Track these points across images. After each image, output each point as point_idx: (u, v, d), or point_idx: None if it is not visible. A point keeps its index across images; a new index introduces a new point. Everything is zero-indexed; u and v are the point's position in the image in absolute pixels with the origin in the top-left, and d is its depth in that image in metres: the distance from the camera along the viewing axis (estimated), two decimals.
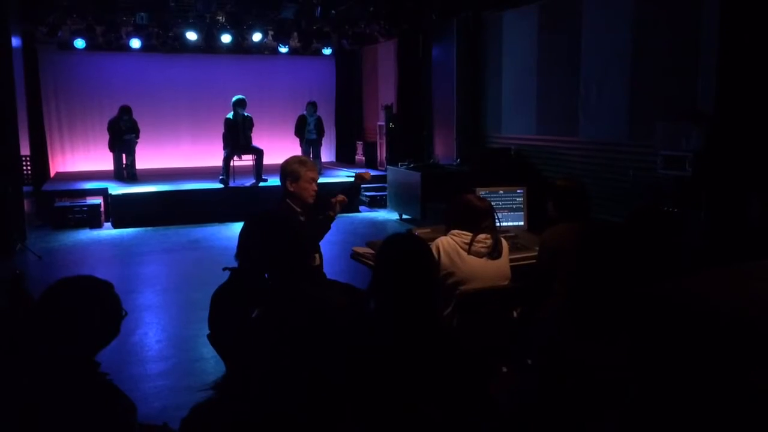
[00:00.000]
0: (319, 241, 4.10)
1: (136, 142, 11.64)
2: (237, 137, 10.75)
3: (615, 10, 7.79)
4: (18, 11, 9.37)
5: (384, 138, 12.90)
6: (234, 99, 10.79)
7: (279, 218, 3.16)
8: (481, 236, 3.52)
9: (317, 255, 4.07)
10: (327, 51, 13.91)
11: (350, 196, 4.42)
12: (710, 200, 5.86)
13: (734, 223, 5.63)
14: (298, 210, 3.97)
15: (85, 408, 1.79)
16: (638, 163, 7.25)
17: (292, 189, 3.95)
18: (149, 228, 9.80)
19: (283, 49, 13.12)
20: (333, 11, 10.81)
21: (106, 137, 11.74)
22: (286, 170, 4.00)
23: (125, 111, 11.49)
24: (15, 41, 8.87)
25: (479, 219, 3.54)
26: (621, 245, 2.61)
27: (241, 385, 1.60)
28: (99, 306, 1.94)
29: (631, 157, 7.53)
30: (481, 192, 4.48)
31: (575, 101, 8.55)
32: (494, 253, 3.55)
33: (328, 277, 4.20)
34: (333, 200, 4.17)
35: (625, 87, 7.72)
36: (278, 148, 12.91)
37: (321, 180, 4.48)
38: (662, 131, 6.49)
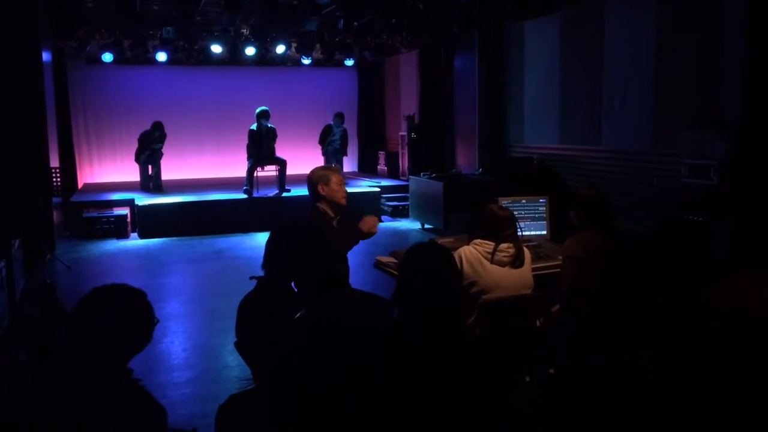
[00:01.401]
0: (347, 252, 4.13)
1: (162, 154, 11.82)
2: (260, 148, 10.87)
3: (638, 18, 7.76)
4: (48, 27, 9.60)
5: (406, 148, 12.94)
6: (258, 110, 10.92)
7: (310, 226, 3.20)
8: (504, 245, 3.53)
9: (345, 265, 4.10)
10: (349, 62, 14.02)
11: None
12: (736, 209, 5.80)
13: (761, 232, 5.56)
14: (331, 214, 4.02)
15: (120, 413, 1.84)
16: (663, 172, 7.19)
17: (324, 192, 4.01)
18: (174, 238, 9.93)
19: (306, 61, 13.27)
20: (355, 23, 10.90)
21: (133, 149, 11.95)
22: (314, 177, 4.06)
23: (158, 127, 11.69)
24: (45, 56, 9.09)
25: (501, 228, 3.56)
26: (645, 254, 2.62)
27: (269, 388, 1.65)
28: (133, 313, 1.99)
29: (656, 166, 7.48)
30: (504, 201, 4.50)
31: (598, 110, 8.52)
32: (516, 261, 3.56)
33: (352, 286, 4.24)
34: (362, 226, 4.14)
35: (648, 95, 7.67)
36: (301, 158, 13.03)
37: None
38: (686, 140, 6.44)
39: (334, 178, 4.02)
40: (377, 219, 4.31)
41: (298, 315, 1.73)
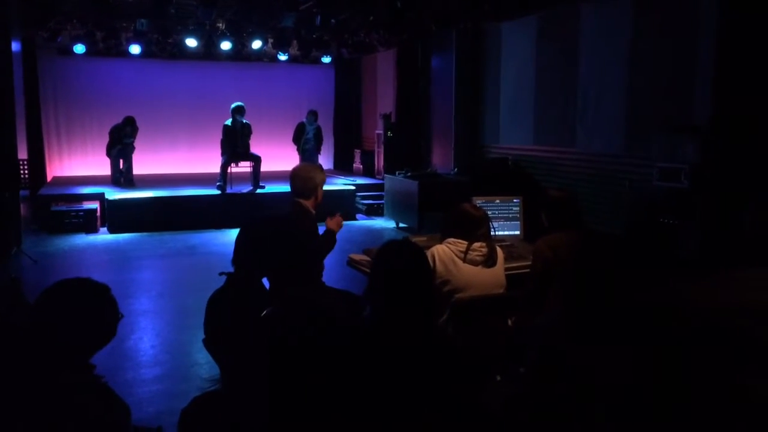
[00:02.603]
0: (324, 257, 4.15)
1: (134, 148, 11.65)
2: (235, 144, 10.76)
3: (613, 21, 7.84)
4: (18, 16, 9.38)
5: (382, 146, 12.93)
6: (233, 106, 10.81)
7: (288, 222, 3.18)
8: (477, 245, 3.53)
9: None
10: (326, 59, 13.97)
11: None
12: (706, 212, 5.88)
13: (729, 234, 5.65)
14: (312, 212, 4.06)
15: (80, 410, 1.79)
16: (635, 175, 7.27)
17: (319, 193, 4.06)
18: (145, 233, 9.79)
19: (283, 57, 13.18)
20: (333, 20, 10.85)
21: (104, 142, 11.75)
22: (319, 179, 4.13)
23: (129, 122, 11.50)
24: (15, 46, 8.89)
25: (474, 227, 3.56)
26: (615, 253, 2.63)
27: (238, 386, 1.61)
28: (96, 308, 1.94)
29: (628, 168, 7.56)
30: (478, 201, 4.50)
31: (573, 112, 8.59)
32: (489, 261, 3.57)
33: (326, 284, 4.22)
34: (330, 220, 4.23)
35: (622, 99, 7.76)
36: (276, 155, 12.96)
37: None
38: (658, 143, 6.52)
39: (322, 181, 4.14)
40: (340, 218, 4.32)
41: (264, 312, 1.69)
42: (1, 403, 1.78)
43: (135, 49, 12.07)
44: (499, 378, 3.18)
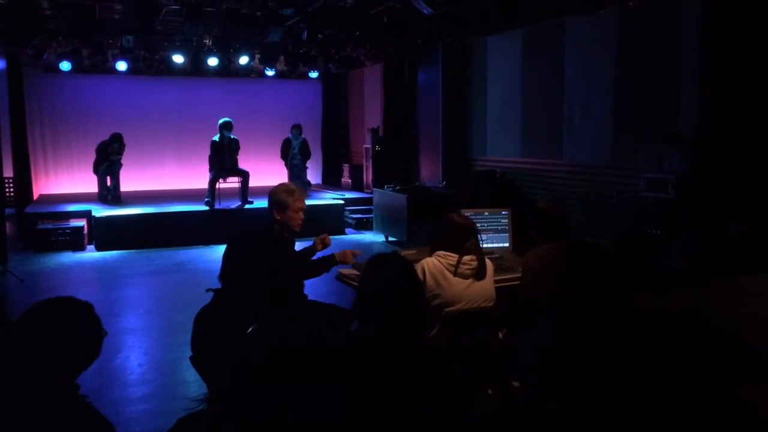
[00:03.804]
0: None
1: (121, 165, 11.59)
2: (223, 159, 10.74)
3: (597, 34, 7.91)
4: (3, 33, 9.35)
5: (370, 160, 12.94)
6: (221, 122, 10.80)
7: (267, 238, 3.15)
8: (467, 258, 3.52)
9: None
10: (314, 74, 14.01)
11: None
12: (692, 222, 5.91)
13: (715, 245, 5.68)
14: (286, 236, 3.99)
15: (63, 430, 1.76)
16: (622, 186, 7.31)
17: (278, 217, 3.95)
18: (133, 251, 9.72)
19: (270, 72, 13.18)
20: (320, 35, 10.89)
21: (91, 160, 11.68)
22: (273, 199, 4.00)
23: (116, 138, 11.45)
24: (0, 63, 8.84)
25: (462, 237, 3.55)
26: (603, 264, 2.63)
27: (225, 404, 1.59)
28: (78, 326, 1.91)
29: (615, 179, 7.60)
30: (467, 213, 4.49)
31: (559, 124, 8.64)
32: (479, 274, 3.55)
33: (315, 298, 4.20)
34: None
35: (608, 110, 7.81)
36: (265, 170, 12.92)
37: (308, 202, 4.48)
38: (645, 154, 6.56)
39: (293, 205, 3.95)
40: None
41: (249, 330, 1.67)
42: None
43: (122, 65, 12.03)
44: (490, 392, 3.16)
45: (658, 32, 7.06)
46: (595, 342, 1.99)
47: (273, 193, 4.03)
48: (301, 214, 4.00)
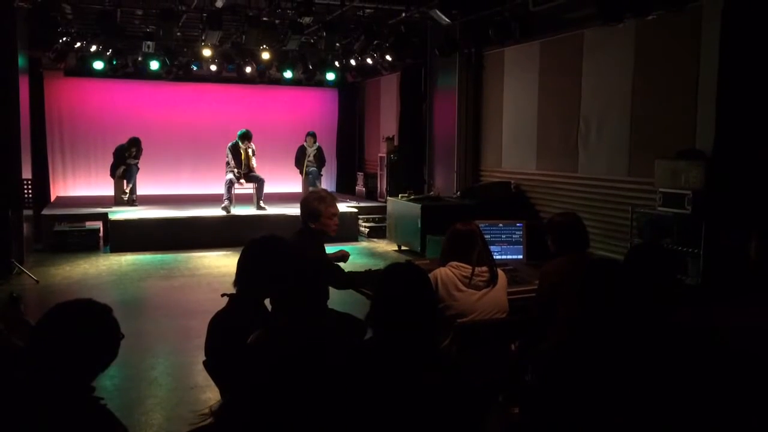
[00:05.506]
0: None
1: (137, 169, 11.70)
2: (239, 165, 10.85)
3: (615, 47, 7.89)
4: (26, 36, 9.48)
5: (385, 169, 12.96)
6: (240, 132, 10.94)
7: (290, 243, 3.18)
8: (479, 269, 3.52)
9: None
10: (330, 82, 14.06)
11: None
12: (709, 238, 5.86)
13: (733, 261, 5.62)
14: (320, 235, 4.12)
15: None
16: (637, 200, 7.26)
17: (314, 227, 4.03)
18: (148, 254, 9.78)
19: (287, 79, 13.26)
20: (337, 44, 10.95)
21: (108, 163, 11.80)
22: (305, 210, 4.08)
23: (134, 143, 11.57)
24: (21, 66, 8.96)
25: (468, 244, 3.57)
26: (620, 278, 2.62)
27: (237, 412, 1.59)
28: (97, 329, 1.92)
29: (631, 194, 7.55)
30: (481, 225, 4.49)
31: (575, 137, 8.61)
32: (491, 283, 3.56)
33: (329, 306, 4.21)
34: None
35: (624, 124, 7.77)
36: (280, 177, 13.00)
37: None
38: (661, 169, 6.51)
39: (326, 212, 4.08)
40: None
41: (251, 337, 1.67)
42: (0, 424, 1.77)
43: (144, 70, 12.10)
44: (502, 402, 3.15)
45: (676, 46, 7.03)
46: (609, 356, 1.98)
47: (305, 203, 4.11)
48: (335, 219, 4.09)
